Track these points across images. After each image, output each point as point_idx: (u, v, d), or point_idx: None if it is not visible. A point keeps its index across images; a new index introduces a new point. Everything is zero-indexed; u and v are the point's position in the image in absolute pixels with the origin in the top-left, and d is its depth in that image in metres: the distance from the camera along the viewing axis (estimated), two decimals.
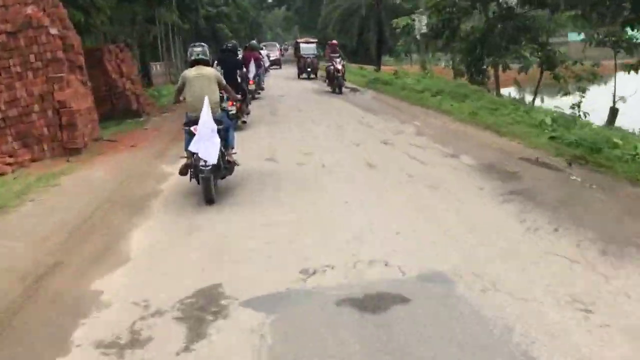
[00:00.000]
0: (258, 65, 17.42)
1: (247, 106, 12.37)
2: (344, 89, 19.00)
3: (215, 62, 10.85)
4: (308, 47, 27.51)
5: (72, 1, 13.45)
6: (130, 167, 8.63)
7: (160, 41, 33.97)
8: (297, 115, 13.80)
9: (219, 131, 6.06)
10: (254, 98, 16.24)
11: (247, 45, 17.91)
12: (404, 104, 14.91)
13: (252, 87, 14.91)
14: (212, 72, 6.65)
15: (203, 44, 6.93)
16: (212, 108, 6.04)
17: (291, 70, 39.71)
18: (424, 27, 20.57)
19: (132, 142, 11.11)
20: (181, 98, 6.79)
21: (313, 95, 19.47)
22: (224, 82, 6.79)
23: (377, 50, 31.86)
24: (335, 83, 18.76)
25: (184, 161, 6.44)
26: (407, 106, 14.50)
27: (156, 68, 33.72)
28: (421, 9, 20.65)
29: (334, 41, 19.72)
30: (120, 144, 11.00)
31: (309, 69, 26.70)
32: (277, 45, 55.23)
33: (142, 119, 14.77)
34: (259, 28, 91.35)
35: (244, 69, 12.68)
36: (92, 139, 11.10)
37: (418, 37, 21.29)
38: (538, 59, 18.04)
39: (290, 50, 79.34)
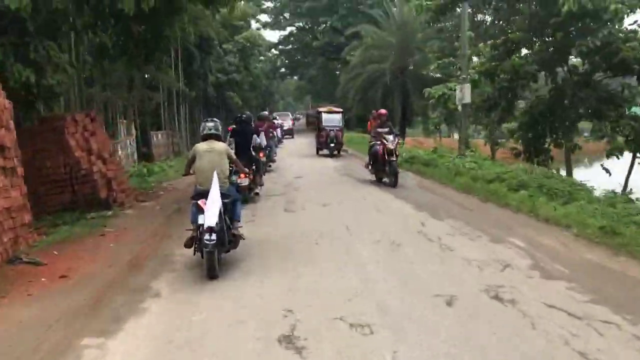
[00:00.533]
0: (268, 137, 16.40)
1: (260, 177, 12.14)
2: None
3: (229, 133, 11.25)
4: (332, 118, 23.19)
5: (20, 54, 9.81)
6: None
7: (163, 109, 30.75)
8: (324, 217, 9.66)
9: (226, 205, 6.32)
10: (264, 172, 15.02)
11: (258, 115, 17.01)
12: (473, 200, 10.68)
13: (262, 159, 13.67)
14: (223, 147, 6.78)
15: (215, 119, 7.10)
16: (220, 182, 6.28)
17: (305, 140, 36.51)
18: (467, 97, 16.88)
19: (68, 265, 6.99)
20: (191, 171, 6.86)
21: (339, 179, 15.51)
22: (233, 156, 7.02)
23: (401, 121, 28.33)
24: (386, 171, 13.23)
25: (188, 234, 6.38)
26: (479, 204, 10.28)
27: (157, 138, 30.27)
28: (463, 76, 17.03)
29: (383, 110, 14.54)
30: (49, 268, 6.85)
31: (332, 144, 22.36)
32: (290, 115, 52.80)
33: (109, 212, 10.74)
34: (270, 97, 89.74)
35: (257, 139, 12.01)
36: (8, 259, 7.01)
37: (459, 108, 17.56)
38: (625, 137, 14.13)
39: (302, 120, 77.27)
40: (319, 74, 62.29)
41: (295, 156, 23.71)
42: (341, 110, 24.65)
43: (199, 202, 6.10)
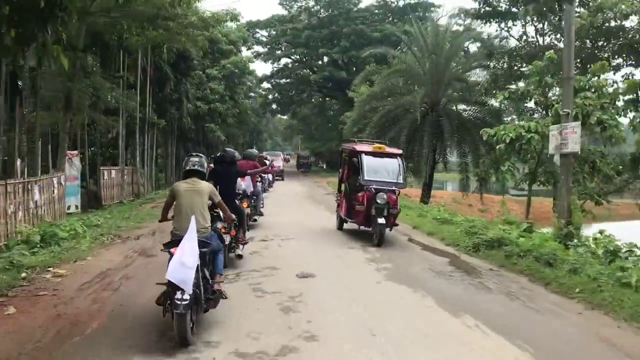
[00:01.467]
0: (255, 181, 12.62)
1: (244, 233, 8.99)
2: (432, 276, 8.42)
3: (207, 175, 7.42)
4: (383, 166, 11.90)
5: None
6: None
7: (121, 139, 23.76)
8: None
9: (204, 255, 5.32)
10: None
11: (244, 153, 12.54)
12: None
13: (246, 210, 10.42)
14: (207, 186, 5.76)
15: (200, 154, 6.04)
16: (200, 229, 5.34)
17: (297, 185, 29.86)
18: (572, 143, 10.35)
19: None
20: (169, 216, 5.83)
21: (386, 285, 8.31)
22: (218, 198, 5.96)
23: (430, 170, 21.65)
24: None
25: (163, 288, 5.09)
26: None
27: (109, 175, 23.05)
28: (565, 110, 10.56)
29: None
30: None
31: (381, 218, 10.93)
32: (281, 155, 46.58)
33: None
34: (258, 135, 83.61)
35: (242, 185, 10.22)
36: None
37: (556, 158, 10.95)
38: None
39: (293, 161, 71.01)
40: (314, 112, 56.23)
41: (288, 207, 16.90)
42: (400, 152, 12.93)
43: (172, 250, 5.03)
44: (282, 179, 34.73)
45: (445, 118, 19.36)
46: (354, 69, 45.30)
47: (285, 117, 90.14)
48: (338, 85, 47.23)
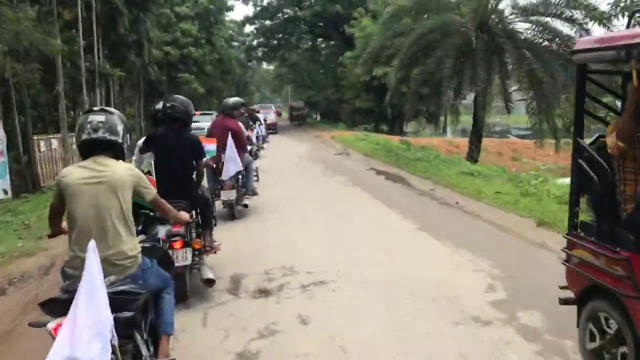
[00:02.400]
0: (243, 144, 7.78)
1: (211, 232, 5.22)
2: None
3: (140, 146, 5.24)
4: None
5: None
6: None
7: (62, 97, 17.66)
8: None
9: (130, 321, 2.46)
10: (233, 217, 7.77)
11: (223, 106, 7.81)
12: None
13: (229, 194, 7.43)
14: (125, 172, 2.83)
15: (109, 108, 2.98)
16: (116, 261, 2.72)
17: (294, 141, 24.43)
18: None
19: None
20: (64, 225, 2.97)
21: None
22: (151, 192, 2.97)
23: (481, 115, 15.60)
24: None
25: None
26: None
27: (47, 146, 17.12)
28: None
29: None
30: None
31: None
32: (273, 107, 41.76)
33: None
34: (245, 88, 76.72)
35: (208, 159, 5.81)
36: None
37: None
38: None
39: (285, 115, 64.82)
40: (305, 57, 49.48)
41: (293, 180, 11.34)
42: None
43: (52, 327, 2.30)
44: (276, 132, 30.92)
45: (506, 40, 13.42)
46: (350, 2, 38.48)
47: (272, 67, 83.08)
48: (332, 22, 40.48)
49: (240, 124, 8.14)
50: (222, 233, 6.10)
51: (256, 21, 42.62)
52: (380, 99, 32.80)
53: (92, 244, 2.28)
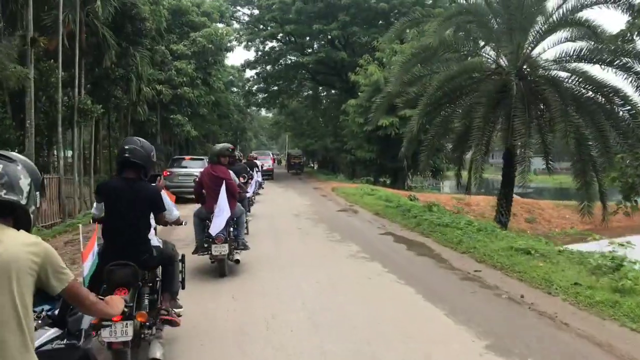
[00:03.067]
0: (232, 196, 7.21)
1: (173, 297, 4.57)
2: None
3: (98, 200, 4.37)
4: None
5: None
6: None
7: (30, 133, 15.34)
8: None
9: None
10: (223, 274, 7.17)
11: (124, 151, 4.17)
12: None
13: (221, 249, 6.83)
14: (19, 250, 1.82)
15: (12, 154, 2.02)
16: None
17: (291, 190, 22.14)
18: None
19: None
20: None
21: None
22: (64, 280, 1.94)
23: (511, 172, 13.20)
24: None
25: None
26: None
27: None
28: None
29: None
30: None
31: None
32: (270, 154, 41.17)
33: None
34: (242, 134, 75.13)
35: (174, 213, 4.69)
36: None
37: None
38: None
39: (283, 162, 62.73)
40: (305, 105, 47.93)
41: (291, 247, 8.68)
42: None
43: None
44: (272, 178, 31.39)
45: (549, 89, 11.26)
46: (354, 50, 37.07)
47: (270, 114, 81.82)
48: (335, 70, 38.94)
49: (230, 171, 7.47)
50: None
51: (257, 66, 41.02)
52: (383, 150, 30.81)
53: None
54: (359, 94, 32.46)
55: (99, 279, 3.88)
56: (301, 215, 14.62)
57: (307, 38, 37.05)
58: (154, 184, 4.34)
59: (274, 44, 40.43)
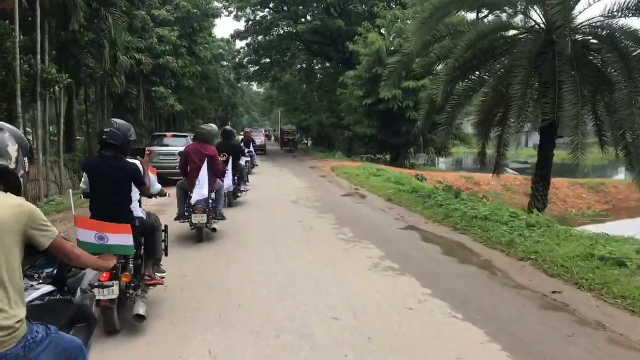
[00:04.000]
0: (215, 174, 7.98)
1: (155, 264, 4.96)
2: None
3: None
4: None
5: None
6: None
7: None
8: None
9: None
10: (201, 240, 7.75)
11: (102, 132, 4.41)
12: None
13: (200, 218, 7.47)
14: (9, 213, 2.05)
15: (11, 128, 2.30)
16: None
17: (286, 170, 20.12)
18: None
19: None
20: None
21: None
22: (49, 236, 2.17)
23: (550, 149, 10.89)
24: None
25: None
26: None
27: None
28: None
29: None
30: None
31: None
32: (263, 131, 41.61)
33: None
34: (234, 110, 72.29)
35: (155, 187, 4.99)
36: None
37: None
38: None
39: (274, 139, 60.21)
40: (300, 78, 45.22)
41: (291, 248, 6.40)
42: None
43: None
44: (265, 153, 32.27)
45: (606, 48, 8.95)
46: (350, 19, 34.34)
47: (262, 90, 78.67)
48: (331, 40, 36.23)
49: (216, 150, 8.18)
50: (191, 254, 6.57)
51: (248, 37, 38.14)
52: (384, 125, 28.45)
53: None
54: (357, 66, 29.99)
55: None
56: (300, 201, 12.34)
57: (301, 7, 34.12)
58: (139, 158, 4.49)
59: (266, 13, 37.50)
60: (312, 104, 46.33)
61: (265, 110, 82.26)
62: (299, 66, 44.99)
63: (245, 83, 65.45)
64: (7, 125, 2.24)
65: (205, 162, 7.44)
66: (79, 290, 2.71)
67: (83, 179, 4.76)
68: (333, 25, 31.89)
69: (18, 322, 2.00)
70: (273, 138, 65.96)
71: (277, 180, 17.40)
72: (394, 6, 32.24)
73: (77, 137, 21.78)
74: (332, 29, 32.79)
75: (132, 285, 4.36)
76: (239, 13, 37.53)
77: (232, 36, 37.84)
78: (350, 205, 11.96)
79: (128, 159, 4.40)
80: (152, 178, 4.75)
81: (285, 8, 35.66)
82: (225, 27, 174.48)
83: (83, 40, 15.98)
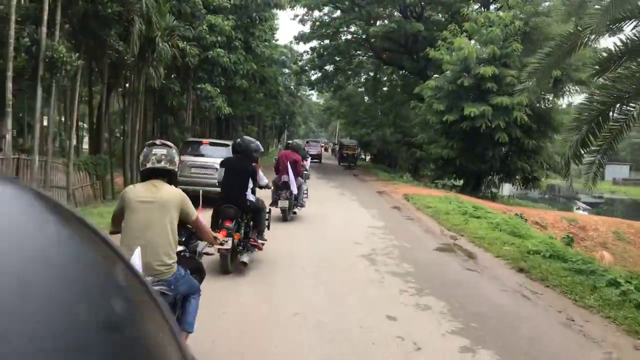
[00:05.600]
0: (297, 174, 10.57)
1: (260, 233, 7.01)
2: None
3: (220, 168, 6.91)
4: None
5: None
6: None
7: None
8: None
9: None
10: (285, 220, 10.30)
11: (237, 144, 7.37)
12: None
13: (283, 204, 10.15)
14: (175, 196, 3.45)
15: (169, 143, 3.62)
16: (155, 266, 3.26)
17: (347, 193, 17.18)
18: None
19: None
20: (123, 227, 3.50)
21: None
22: (193, 215, 3.57)
23: None
24: None
25: None
26: None
27: None
28: None
29: None
30: None
31: None
32: (320, 142, 41.28)
33: None
34: (291, 119, 68.73)
35: (264, 180, 7.33)
36: None
37: None
38: None
39: (328, 152, 55.81)
40: (366, 87, 40.83)
41: None
42: None
43: None
44: (320, 161, 33.35)
45: None
46: (427, 26, 29.55)
47: (321, 100, 74.76)
48: (405, 47, 31.60)
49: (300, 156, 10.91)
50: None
51: (313, 39, 34.07)
52: (466, 147, 23.50)
53: (138, 250, 2.98)
54: (434, 76, 25.18)
55: (216, 216, 6.23)
56: (378, 259, 7.72)
57: (375, 5, 29.63)
58: (255, 163, 6.81)
59: (335, 14, 33.26)
60: (376, 117, 41.74)
61: (323, 121, 78.51)
62: (364, 76, 40.62)
63: (304, 92, 61.82)
64: (172, 144, 3.61)
65: (289, 165, 10.20)
66: (197, 253, 4.06)
67: (218, 172, 6.75)
68: (410, 29, 27.22)
69: (174, 262, 3.36)
70: (330, 150, 61.71)
71: (339, 211, 12.87)
72: (483, 9, 27.27)
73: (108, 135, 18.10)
74: (408, 33, 28.15)
75: (241, 243, 6.45)
76: (305, 17, 33.65)
77: (296, 38, 33.80)
78: (459, 277, 7.21)
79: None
80: (261, 175, 6.92)
81: (356, 9, 31.26)
82: (287, 31, 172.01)
83: (105, 10, 12.12)
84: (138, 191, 3.38)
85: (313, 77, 37.38)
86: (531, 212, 19.42)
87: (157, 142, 3.56)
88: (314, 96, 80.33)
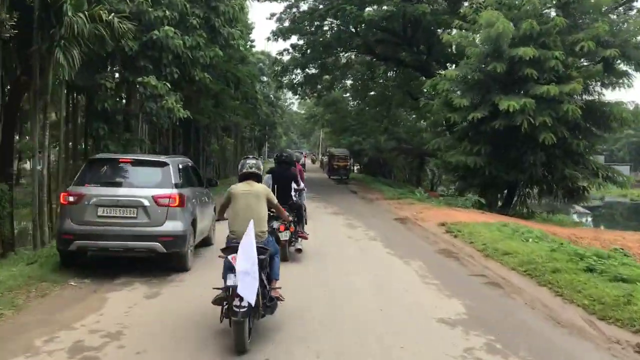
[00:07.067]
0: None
1: (303, 227, 8.84)
2: None
3: (267, 175, 8.15)
4: None
5: None
6: None
7: None
8: None
9: (262, 261, 4.57)
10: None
11: (281, 156, 8.88)
12: None
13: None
14: (262, 189, 5.19)
15: (255, 157, 5.61)
16: (258, 233, 4.75)
17: (346, 217, 13.10)
18: None
19: None
20: (226, 215, 5.34)
21: None
22: (275, 200, 5.32)
23: None
24: None
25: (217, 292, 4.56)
26: None
27: None
28: None
29: None
30: None
31: None
32: (304, 153, 39.54)
33: None
34: (272, 130, 62.90)
35: (302, 184, 9.17)
36: None
37: None
38: None
39: (315, 164, 50.02)
40: (355, 90, 35.59)
41: None
42: None
43: (230, 257, 4.45)
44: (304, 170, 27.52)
45: None
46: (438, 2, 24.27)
47: (303, 110, 69.37)
48: (403, 38, 26.30)
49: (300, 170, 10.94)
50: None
51: (294, 34, 28.60)
52: (498, 151, 18.21)
53: (251, 223, 4.47)
54: (437, 72, 19.90)
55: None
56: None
57: None
58: (293, 167, 8.86)
59: (319, 5, 27.78)
60: (366, 123, 36.45)
61: (305, 131, 72.93)
62: (352, 77, 35.32)
63: (284, 102, 56.35)
64: (254, 156, 5.68)
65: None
66: (275, 227, 7.15)
67: (265, 180, 6.90)
68: (413, 12, 21.88)
69: (266, 231, 5.06)
70: (319, 162, 56.19)
71: (360, 269, 7.37)
72: None
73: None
74: (409, 17, 22.79)
75: (294, 234, 8.07)
76: (283, 15, 28.29)
77: (274, 33, 28.21)
78: None
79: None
80: (300, 180, 8.92)
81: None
82: (261, 33, 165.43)
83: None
84: (240, 187, 5.06)
85: (295, 80, 31.81)
86: (599, 236, 14.06)
87: (250, 156, 5.50)
88: (295, 105, 74.94)
